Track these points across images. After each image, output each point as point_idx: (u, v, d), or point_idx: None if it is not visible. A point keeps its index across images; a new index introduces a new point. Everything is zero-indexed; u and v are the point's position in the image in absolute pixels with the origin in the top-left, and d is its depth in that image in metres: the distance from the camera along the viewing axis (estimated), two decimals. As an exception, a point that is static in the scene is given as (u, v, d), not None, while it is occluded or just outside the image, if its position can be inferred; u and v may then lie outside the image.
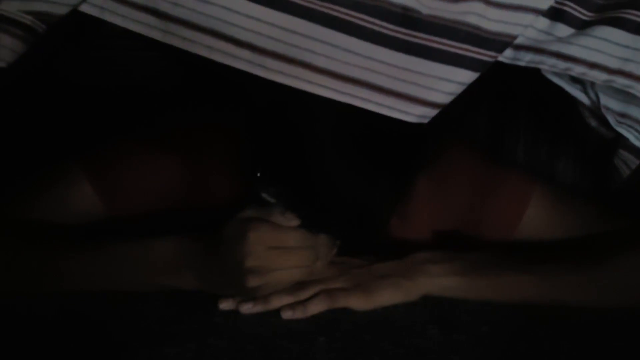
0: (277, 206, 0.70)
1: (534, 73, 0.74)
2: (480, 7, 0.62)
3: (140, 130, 0.83)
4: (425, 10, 0.61)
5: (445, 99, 0.64)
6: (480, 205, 0.81)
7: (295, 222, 0.69)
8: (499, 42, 0.63)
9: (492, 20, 0.62)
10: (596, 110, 0.78)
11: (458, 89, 0.63)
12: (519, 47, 0.65)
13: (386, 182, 0.70)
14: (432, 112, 0.64)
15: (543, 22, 0.64)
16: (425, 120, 0.64)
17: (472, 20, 0.62)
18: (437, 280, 0.73)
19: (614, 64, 0.66)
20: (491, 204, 0.80)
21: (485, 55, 0.63)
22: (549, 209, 0.81)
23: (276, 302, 0.71)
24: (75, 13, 0.63)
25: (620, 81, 0.66)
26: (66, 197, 0.78)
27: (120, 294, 0.72)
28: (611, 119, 0.75)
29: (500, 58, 0.65)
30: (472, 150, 0.85)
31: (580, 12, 0.65)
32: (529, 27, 0.64)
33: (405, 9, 0.61)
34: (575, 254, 0.76)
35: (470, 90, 0.65)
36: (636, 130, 0.74)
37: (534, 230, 0.81)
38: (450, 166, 0.81)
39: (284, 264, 0.69)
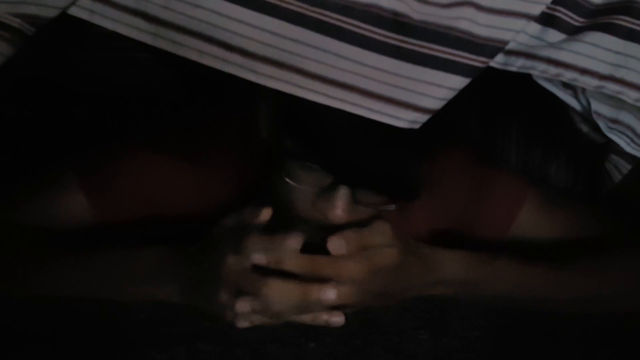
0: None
1: (526, 78, 0.74)
2: (472, 13, 0.62)
3: (134, 134, 0.83)
4: (416, 16, 0.61)
5: (436, 105, 0.63)
6: (475, 207, 0.81)
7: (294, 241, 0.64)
8: (491, 48, 0.63)
9: (483, 26, 0.62)
10: (587, 115, 0.78)
11: (449, 95, 0.63)
12: (511, 53, 0.65)
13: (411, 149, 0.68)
14: (423, 118, 0.64)
15: (534, 28, 0.64)
16: (417, 126, 0.64)
17: (463, 25, 0.62)
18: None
19: (605, 69, 0.66)
20: (485, 206, 0.81)
21: (476, 60, 0.63)
22: (541, 212, 0.81)
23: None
24: (64, 16, 0.62)
25: (611, 87, 0.66)
26: (58, 204, 0.77)
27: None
28: (602, 125, 0.75)
29: (492, 63, 0.65)
30: (467, 153, 0.85)
31: (571, 18, 0.65)
32: (520, 33, 0.64)
33: (396, 14, 0.61)
34: (566, 259, 0.76)
35: (463, 95, 0.64)
36: (627, 136, 0.74)
37: (526, 232, 0.81)
38: (445, 168, 0.81)
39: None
